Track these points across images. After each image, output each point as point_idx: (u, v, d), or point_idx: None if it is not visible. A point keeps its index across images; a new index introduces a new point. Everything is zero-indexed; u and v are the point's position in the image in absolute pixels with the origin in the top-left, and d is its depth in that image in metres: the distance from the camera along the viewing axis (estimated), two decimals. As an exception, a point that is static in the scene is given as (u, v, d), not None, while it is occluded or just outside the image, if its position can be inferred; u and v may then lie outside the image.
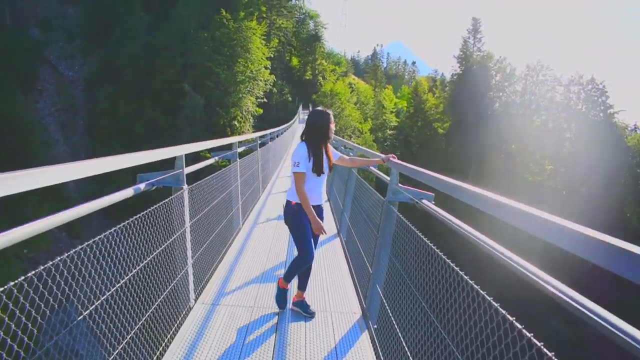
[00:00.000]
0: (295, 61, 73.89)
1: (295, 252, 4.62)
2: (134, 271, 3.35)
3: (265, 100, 49.59)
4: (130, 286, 3.27)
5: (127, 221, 3.18)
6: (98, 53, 44.02)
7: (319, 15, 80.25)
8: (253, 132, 32.91)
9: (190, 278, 4.69)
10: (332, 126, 4.56)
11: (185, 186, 4.42)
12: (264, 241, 7.75)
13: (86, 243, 2.54)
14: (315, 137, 4.50)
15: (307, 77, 73.19)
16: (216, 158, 7.03)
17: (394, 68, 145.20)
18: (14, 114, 34.55)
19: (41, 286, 2.13)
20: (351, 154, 9.66)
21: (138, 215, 3.35)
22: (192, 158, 6.36)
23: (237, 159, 8.18)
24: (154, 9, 47.14)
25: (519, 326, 1.80)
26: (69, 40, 43.99)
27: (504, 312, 1.99)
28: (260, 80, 47.22)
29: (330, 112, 4.62)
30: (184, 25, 45.96)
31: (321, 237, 5.20)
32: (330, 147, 4.70)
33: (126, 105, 41.11)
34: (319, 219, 4.46)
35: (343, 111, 60.14)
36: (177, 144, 4.48)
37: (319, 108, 4.66)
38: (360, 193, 7.14)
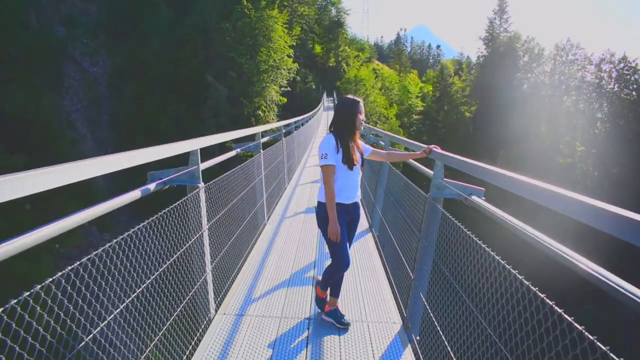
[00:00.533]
0: (318, 48, 73.47)
1: (327, 249, 4.11)
2: (147, 282, 2.97)
3: (289, 89, 49.33)
4: (143, 300, 2.93)
5: (132, 230, 2.74)
6: (121, 49, 44.15)
7: (340, 2, 79.65)
8: (277, 121, 32.58)
9: (210, 286, 4.21)
10: (362, 116, 4.05)
11: (202, 184, 3.91)
12: (291, 239, 7.23)
13: (85, 258, 2.18)
14: (343, 128, 4.00)
15: (331, 64, 72.78)
16: (238, 150, 6.56)
17: (418, 52, 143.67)
18: (42, 112, 34.93)
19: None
20: (381, 142, 9.10)
21: (146, 222, 2.92)
22: (217, 150, 5.91)
23: (261, 150, 7.70)
24: (175, 2, 47.11)
25: (603, 347, 1.49)
26: (92, 37, 44.20)
27: (581, 328, 1.65)
28: (284, 69, 46.88)
29: (360, 100, 4.10)
30: (206, 16, 45.78)
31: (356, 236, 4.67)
32: (358, 140, 4.19)
33: (150, 99, 41.22)
34: (337, 224, 3.89)
35: (368, 97, 59.42)
36: (202, 136, 4.10)
37: (348, 96, 4.16)
38: (394, 185, 6.58)
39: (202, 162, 3.96)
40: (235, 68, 43.43)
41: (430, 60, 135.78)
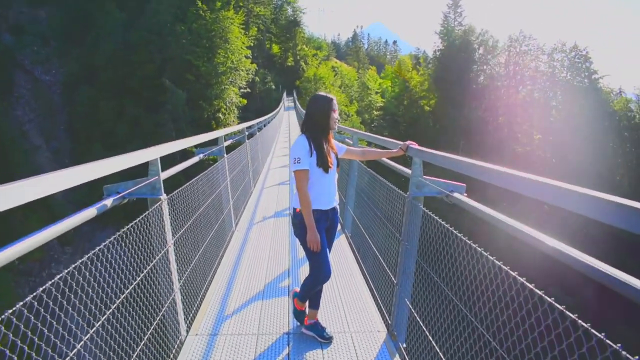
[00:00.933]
0: (275, 48, 73.34)
1: (300, 255, 3.83)
2: (112, 307, 2.68)
3: (248, 90, 49.08)
4: (109, 327, 2.67)
5: (92, 252, 2.46)
6: (74, 55, 43.04)
7: (296, 1, 79.36)
8: (238, 123, 32.18)
9: (179, 306, 3.85)
10: (335, 114, 3.75)
11: (164, 196, 3.57)
12: (261, 246, 6.87)
13: (40, 289, 1.94)
14: (316, 128, 3.70)
15: (289, 64, 72.70)
16: (201, 155, 6.22)
17: (376, 49, 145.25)
18: (-8, 123, 33.70)
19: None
20: (347, 139, 8.86)
21: (106, 243, 2.63)
22: (179, 157, 5.56)
23: (225, 154, 7.35)
24: (128, 5, 46.15)
25: (600, 336, 1.51)
26: (43, 44, 42.96)
27: (581, 322, 1.60)
28: (242, 70, 46.55)
29: (333, 97, 3.80)
30: (160, 19, 44.92)
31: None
32: (332, 139, 3.91)
33: (106, 105, 40.36)
34: (317, 233, 3.60)
35: (328, 95, 59.29)
36: (162, 142, 3.82)
37: (320, 93, 3.86)
38: (366, 184, 6.34)
39: (163, 171, 3.64)
40: (192, 71, 42.90)
41: (388, 57, 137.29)
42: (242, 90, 47.08)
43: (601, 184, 45.35)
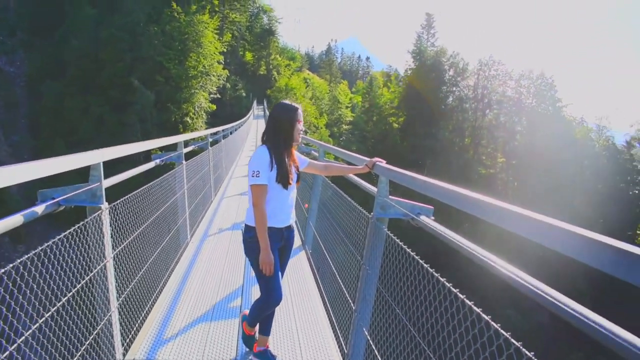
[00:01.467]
0: (249, 56, 73.00)
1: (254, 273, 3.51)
2: (28, 332, 2.35)
3: (218, 96, 48.78)
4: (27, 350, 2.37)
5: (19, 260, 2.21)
6: (41, 48, 41.93)
7: (272, 10, 79.47)
8: (206, 128, 31.72)
9: (116, 327, 3.48)
10: (300, 125, 3.45)
11: (105, 205, 3.22)
12: (216, 260, 6.49)
13: None
14: (279, 139, 3.39)
15: (262, 72, 72.43)
16: (157, 161, 5.87)
17: (349, 63, 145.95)
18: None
19: None
20: (314, 152, 8.61)
21: (22, 259, 2.28)
22: (143, 161, 5.23)
23: (184, 160, 6.99)
24: (100, 2, 45.30)
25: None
26: (9, 34, 41.79)
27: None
28: (213, 76, 46.17)
29: (299, 106, 3.50)
30: (134, 18, 44.27)
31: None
32: (295, 152, 3.60)
33: (72, 102, 39.46)
34: (270, 253, 3.29)
35: (298, 107, 59.41)
36: (128, 142, 3.62)
37: (285, 101, 3.53)
38: (329, 201, 6.07)
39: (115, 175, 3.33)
40: (163, 73, 42.36)
41: (360, 72, 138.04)
42: (212, 95, 46.72)
43: (560, 209, 46.68)
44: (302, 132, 3.48)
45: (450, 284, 2.33)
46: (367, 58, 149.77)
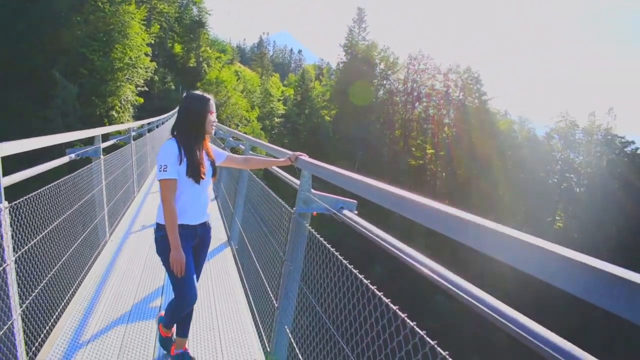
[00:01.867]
0: (178, 48, 71.28)
1: None
2: None
3: (146, 89, 47.24)
4: None
5: None
6: (-48, 37, 39.34)
7: (202, 1, 77.70)
8: (133, 122, 30.80)
9: (19, 335, 3.20)
10: (213, 117, 3.30)
11: (4, 204, 2.95)
12: (136, 258, 6.18)
13: None
14: (189, 131, 3.23)
15: (191, 65, 70.88)
16: (72, 156, 5.57)
17: (281, 56, 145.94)
18: None
19: None
20: (241, 146, 8.44)
21: None
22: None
23: (102, 155, 6.65)
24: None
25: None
26: None
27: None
28: (140, 68, 44.62)
29: (210, 97, 3.33)
30: (55, 7, 42.10)
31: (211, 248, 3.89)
32: (209, 144, 3.46)
33: (-12, 97, 37.06)
34: (181, 252, 3.13)
35: (229, 99, 58.86)
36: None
37: (196, 92, 3.38)
38: (255, 196, 5.94)
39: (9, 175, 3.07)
40: (86, 65, 40.51)
41: (292, 65, 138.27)
42: (139, 88, 45.17)
43: (485, 200, 49.08)
44: (214, 124, 3.34)
45: (373, 286, 2.28)
46: (300, 51, 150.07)
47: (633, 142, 57.20)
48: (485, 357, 35.59)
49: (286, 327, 3.52)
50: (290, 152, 3.76)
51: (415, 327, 1.83)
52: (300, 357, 3.22)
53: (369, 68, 65.49)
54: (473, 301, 1.47)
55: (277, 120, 69.84)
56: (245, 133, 41.33)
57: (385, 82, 67.55)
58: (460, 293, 1.54)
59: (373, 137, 59.68)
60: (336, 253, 2.68)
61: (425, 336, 1.72)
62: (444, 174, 60.39)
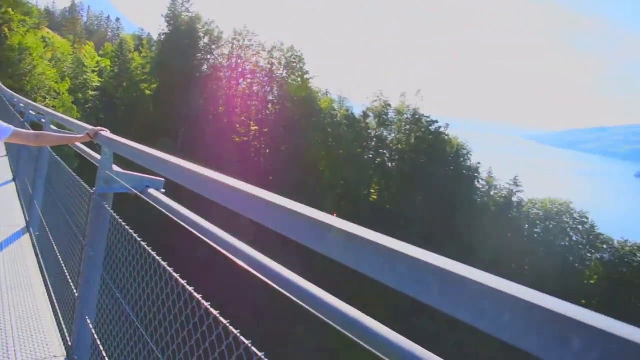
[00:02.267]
0: (-28, 8, 63.11)
1: None
2: None
3: None
4: None
5: None
6: None
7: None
8: None
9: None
10: None
11: None
12: None
13: None
14: None
15: (-11, 28, 63.27)
16: None
17: (96, 24, 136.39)
18: None
19: None
20: (43, 120, 7.65)
21: None
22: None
23: None
24: None
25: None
26: None
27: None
28: None
29: None
30: None
31: (1, 235, 3.40)
32: None
33: None
34: None
35: (35, 69, 53.70)
36: None
37: None
38: (56, 176, 5.38)
39: None
40: None
41: (109, 34, 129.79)
42: None
43: (306, 175, 51.44)
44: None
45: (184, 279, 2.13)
46: (118, 19, 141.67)
47: (437, 122, 63.72)
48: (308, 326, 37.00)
49: (87, 318, 3.19)
50: (90, 127, 3.41)
51: (228, 324, 1.72)
52: (102, 351, 2.96)
53: (192, 41, 63.94)
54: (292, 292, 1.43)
55: (91, 93, 65.15)
56: (53, 107, 38.02)
57: (209, 56, 66.53)
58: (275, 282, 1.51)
59: (196, 113, 58.45)
60: (139, 239, 2.48)
61: (238, 335, 1.63)
62: (267, 150, 61.21)
